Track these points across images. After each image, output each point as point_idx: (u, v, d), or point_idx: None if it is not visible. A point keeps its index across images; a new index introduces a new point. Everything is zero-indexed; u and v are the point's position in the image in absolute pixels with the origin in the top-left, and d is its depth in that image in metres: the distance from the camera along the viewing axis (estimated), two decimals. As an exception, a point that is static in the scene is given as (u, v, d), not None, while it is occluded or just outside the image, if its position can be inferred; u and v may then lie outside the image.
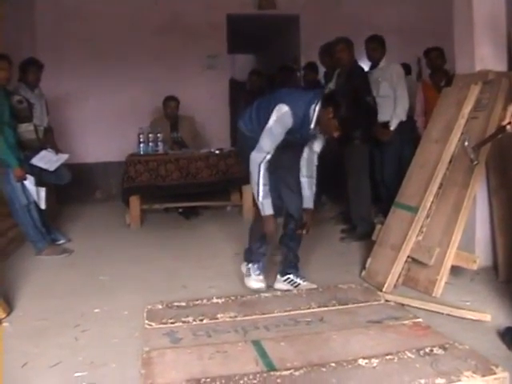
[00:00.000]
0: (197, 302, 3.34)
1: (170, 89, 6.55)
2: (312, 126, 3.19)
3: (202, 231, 5.50)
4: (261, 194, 3.24)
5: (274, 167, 3.30)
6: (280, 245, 3.70)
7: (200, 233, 5.45)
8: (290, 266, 3.68)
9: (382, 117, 4.84)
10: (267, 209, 3.29)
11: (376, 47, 4.96)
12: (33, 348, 2.84)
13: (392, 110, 4.81)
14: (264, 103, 3.34)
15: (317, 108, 3.16)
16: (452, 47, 4.17)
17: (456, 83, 4.04)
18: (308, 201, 3.50)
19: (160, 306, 3.28)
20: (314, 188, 3.50)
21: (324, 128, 3.20)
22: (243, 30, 7.90)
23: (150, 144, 5.87)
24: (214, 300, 3.37)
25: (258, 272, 3.64)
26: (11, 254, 4.66)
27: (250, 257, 3.66)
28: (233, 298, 3.41)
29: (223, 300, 3.37)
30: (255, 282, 3.61)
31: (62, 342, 2.92)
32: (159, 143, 5.89)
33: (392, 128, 4.79)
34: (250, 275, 3.63)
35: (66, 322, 3.18)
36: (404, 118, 4.87)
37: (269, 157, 3.20)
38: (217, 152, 5.94)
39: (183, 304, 3.32)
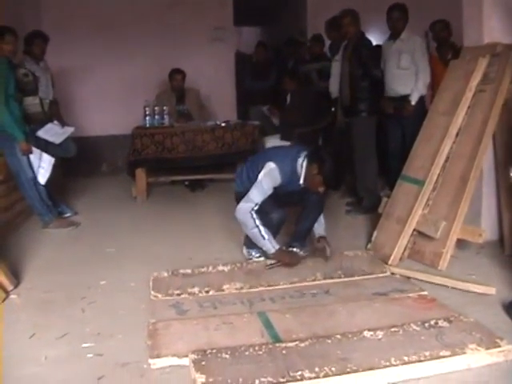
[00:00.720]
0: (202, 270, 3.38)
1: (176, 61, 6.47)
2: (301, 181, 3.38)
3: (208, 204, 5.49)
4: (263, 232, 3.36)
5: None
6: (297, 219, 3.69)
7: (206, 205, 5.44)
8: (297, 237, 3.70)
9: (402, 90, 4.71)
10: (275, 243, 3.41)
11: (400, 17, 4.72)
12: (40, 320, 2.85)
13: (412, 84, 4.68)
14: (253, 165, 3.54)
15: (304, 164, 3.35)
16: (460, 20, 4.08)
17: (463, 56, 3.97)
18: (320, 229, 3.65)
19: (166, 274, 3.32)
20: (322, 220, 3.66)
21: (309, 183, 3.36)
22: (249, 2, 7.78)
23: (156, 117, 5.83)
24: (220, 268, 3.40)
25: (258, 255, 3.67)
26: (19, 227, 4.67)
27: (250, 244, 3.67)
28: (238, 265, 3.43)
29: (229, 267, 3.40)
30: (256, 259, 3.63)
31: (69, 313, 2.93)
32: (165, 116, 5.85)
33: (413, 102, 4.66)
34: (250, 258, 3.67)
35: (73, 294, 3.19)
36: (425, 93, 4.72)
37: (256, 208, 3.34)
38: (223, 124, 5.89)
39: (189, 271, 3.35)
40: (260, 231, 3.35)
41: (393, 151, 4.97)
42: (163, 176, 5.98)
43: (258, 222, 3.34)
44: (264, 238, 3.36)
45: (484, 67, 3.70)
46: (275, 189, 3.41)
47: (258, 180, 3.39)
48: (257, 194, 3.37)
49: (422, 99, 4.72)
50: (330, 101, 5.56)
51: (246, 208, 3.35)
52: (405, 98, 4.68)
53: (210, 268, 3.38)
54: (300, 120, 5.90)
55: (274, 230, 3.51)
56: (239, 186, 3.65)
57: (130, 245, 4.14)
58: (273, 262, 3.44)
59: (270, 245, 3.39)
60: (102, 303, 3.07)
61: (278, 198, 3.46)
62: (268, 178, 3.37)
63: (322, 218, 3.67)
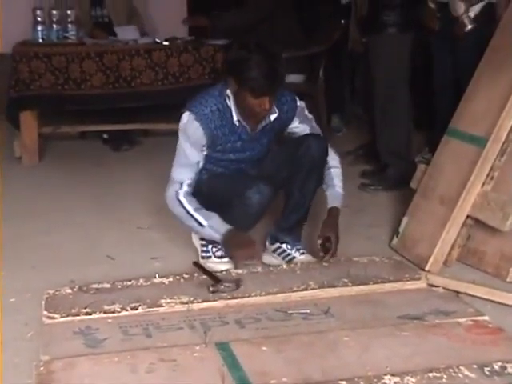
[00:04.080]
0: (129, 283, 3.34)
1: None
2: (235, 117, 3.45)
3: (140, 170, 5.50)
4: (200, 217, 3.40)
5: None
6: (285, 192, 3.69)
7: (137, 173, 5.45)
8: (288, 229, 3.70)
9: None
10: (220, 224, 3.41)
11: None
12: None
13: None
14: None
15: (228, 91, 3.43)
16: None
17: None
18: (333, 192, 3.69)
19: (69, 291, 3.26)
20: (334, 175, 3.70)
21: (243, 115, 3.43)
22: None
23: (55, 26, 5.80)
24: (157, 280, 3.37)
25: (220, 253, 3.67)
26: None
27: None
28: (186, 275, 3.42)
29: (171, 279, 3.38)
30: (218, 264, 3.64)
31: None
32: (70, 26, 5.81)
33: (472, 14, 4.67)
34: (209, 257, 3.68)
35: None
36: None
37: (186, 187, 3.43)
38: (165, 43, 5.87)
39: (107, 286, 3.31)
40: (195, 218, 3.40)
41: (439, 90, 4.98)
42: (67, 124, 5.97)
43: (188, 206, 3.41)
44: (203, 226, 3.40)
45: None
46: (223, 153, 3.49)
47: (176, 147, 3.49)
48: (179, 168, 3.47)
49: (489, 10, 4.70)
50: (339, 8, 5.54)
51: (171, 194, 3.46)
52: None
53: (141, 281, 3.36)
54: (285, 38, 5.85)
55: (253, 219, 3.53)
56: None
57: (10, 235, 4.08)
58: (223, 284, 3.33)
59: (214, 231, 3.40)
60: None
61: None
62: (184, 134, 3.44)
63: (334, 172, 3.68)
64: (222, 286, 3.21)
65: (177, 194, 3.42)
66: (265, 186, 3.44)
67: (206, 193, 3.50)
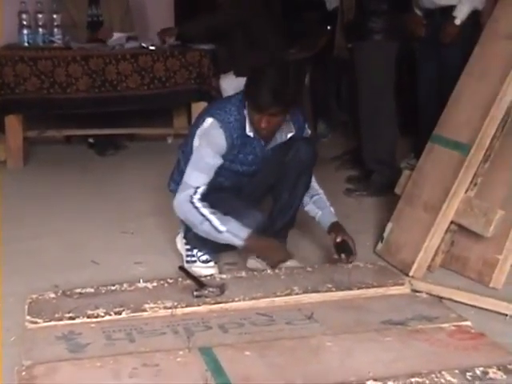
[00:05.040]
0: (113, 288, 3.33)
1: None
2: (247, 129, 3.45)
3: (125, 175, 5.51)
4: (217, 223, 3.36)
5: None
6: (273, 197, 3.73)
7: (122, 177, 5.46)
8: (274, 233, 3.70)
9: None
10: (240, 229, 3.38)
11: None
12: None
13: None
14: (186, 140, 3.70)
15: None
16: None
17: None
18: (326, 211, 3.74)
19: (53, 295, 3.24)
20: (319, 190, 3.78)
21: (252, 124, 3.42)
22: None
23: (41, 30, 5.80)
24: (141, 284, 3.36)
25: (205, 258, 3.69)
26: None
27: (193, 239, 3.69)
28: (170, 280, 3.41)
29: (155, 284, 3.37)
30: (203, 269, 3.66)
31: None
32: (56, 30, 5.82)
33: (459, 21, 4.68)
34: (194, 261, 3.70)
35: None
36: (480, 7, 4.75)
37: (200, 193, 3.41)
38: (151, 48, 5.86)
39: (90, 291, 3.29)
40: (212, 223, 3.36)
41: (424, 96, 4.99)
42: (52, 128, 5.96)
43: (204, 210, 3.37)
44: (221, 232, 3.37)
45: None
46: (231, 163, 3.47)
47: (193, 151, 3.44)
48: (195, 173, 3.41)
49: (474, 18, 4.72)
50: (326, 15, 5.55)
51: (184, 198, 3.40)
52: (446, 14, 4.70)
53: (125, 286, 3.35)
54: (262, 45, 5.82)
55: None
56: (177, 182, 3.66)
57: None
58: (207, 289, 3.31)
59: (234, 236, 3.38)
60: None
61: (244, 190, 3.56)
62: (206, 140, 3.40)
63: (317, 187, 3.73)
64: (206, 291, 3.20)
65: (191, 198, 3.38)
66: (258, 213, 3.53)
67: None
